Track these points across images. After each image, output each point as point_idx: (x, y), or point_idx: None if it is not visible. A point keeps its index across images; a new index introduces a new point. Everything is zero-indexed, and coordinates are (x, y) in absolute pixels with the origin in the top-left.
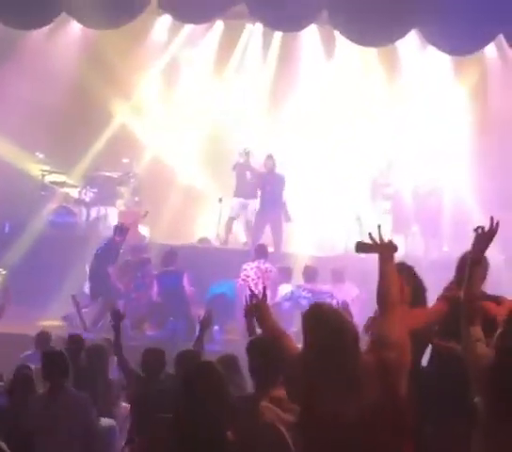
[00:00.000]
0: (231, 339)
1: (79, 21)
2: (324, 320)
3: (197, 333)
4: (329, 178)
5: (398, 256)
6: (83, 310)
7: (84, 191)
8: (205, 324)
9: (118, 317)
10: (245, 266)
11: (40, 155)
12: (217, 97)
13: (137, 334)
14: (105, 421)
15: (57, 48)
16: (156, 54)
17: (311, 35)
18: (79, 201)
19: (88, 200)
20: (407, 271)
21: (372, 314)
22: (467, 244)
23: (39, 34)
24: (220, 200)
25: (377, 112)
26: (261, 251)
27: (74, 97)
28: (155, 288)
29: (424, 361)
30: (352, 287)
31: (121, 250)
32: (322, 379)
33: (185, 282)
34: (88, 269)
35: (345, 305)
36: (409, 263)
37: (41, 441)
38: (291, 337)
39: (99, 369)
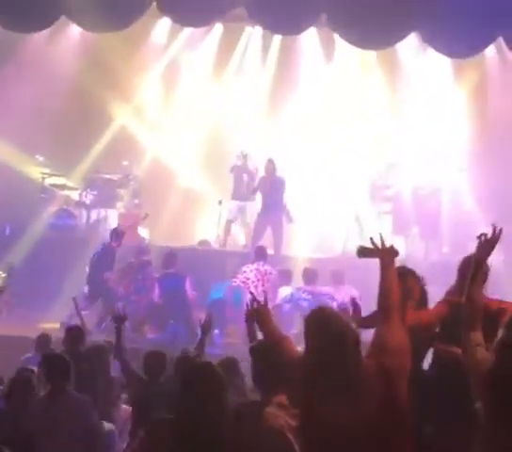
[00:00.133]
0: (231, 342)
1: (79, 24)
2: (325, 324)
3: (198, 337)
4: (329, 180)
5: (398, 258)
6: (82, 312)
7: (84, 194)
8: (206, 328)
9: (120, 319)
10: (244, 269)
11: (41, 158)
12: (217, 100)
13: (138, 337)
14: (105, 424)
15: (57, 51)
16: (156, 56)
17: (310, 38)
18: (79, 204)
19: (88, 202)
20: (410, 274)
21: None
22: (466, 246)
23: (39, 37)
24: (220, 202)
25: (377, 114)
26: (260, 253)
27: (74, 100)
28: (157, 291)
29: (425, 364)
30: (351, 289)
31: (118, 254)
32: (322, 382)
33: (188, 285)
34: (87, 270)
35: (344, 306)
36: (409, 265)
37: (42, 443)
38: (291, 341)
39: (100, 368)
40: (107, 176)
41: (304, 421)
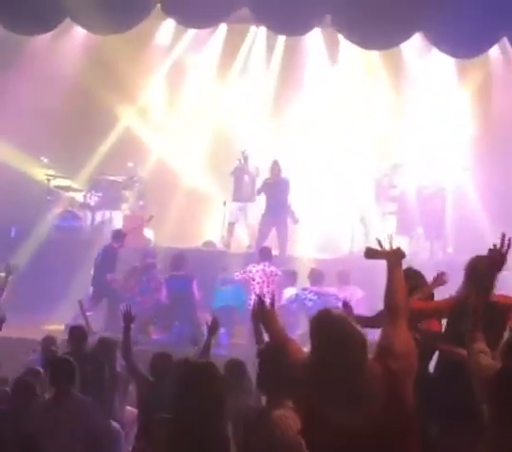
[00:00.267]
0: (236, 343)
1: (83, 26)
2: (331, 326)
3: (203, 338)
4: (334, 181)
5: (404, 259)
6: (87, 313)
7: (89, 195)
8: (212, 330)
9: (129, 319)
10: (250, 268)
11: (45, 160)
12: (221, 101)
13: (143, 338)
14: (112, 425)
15: (62, 52)
16: (160, 58)
17: (314, 38)
18: (84, 206)
19: (93, 204)
20: (418, 275)
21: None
22: (471, 246)
23: (43, 39)
24: (225, 203)
25: (381, 115)
26: (265, 254)
27: (79, 101)
28: (164, 292)
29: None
30: (356, 289)
31: (124, 256)
32: (326, 383)
33: (195, 287)
34: (92, 272)
35: (346, 304)
36: (414, 265)
37: (44, 445)
38: (297, 343)
39: (107, 362)
40: (112, 178)
41: (307, 422)
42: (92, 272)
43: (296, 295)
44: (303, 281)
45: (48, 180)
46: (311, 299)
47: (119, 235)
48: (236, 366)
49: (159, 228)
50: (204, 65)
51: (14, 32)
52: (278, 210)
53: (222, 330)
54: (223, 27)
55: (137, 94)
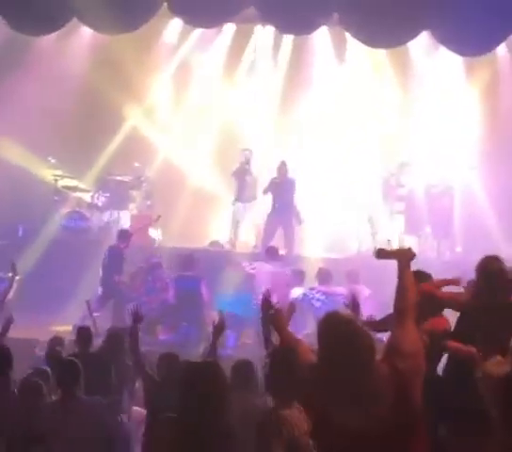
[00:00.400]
0: (243, 343)
1: (90, 26)
2: (338, 328)
3: (210, 339)
4: (341, 180)
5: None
6: (94, 314)
7: (96, 195)
8: (218, 330)
9: (137, 319)
10: (258, 265)
11: (53, 160)
12: (228, 100)
13: (150, 339)
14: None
15: (69, 52)
16: (167, 57)
17: (321, 37)
18: (92, 206)
19: (100, 204)
20: (428, 278)
21: (380, 313)
22: (479, 244)
23: (50, 39)
24: (233, 202)
25: (389, 113)
26: (271, 253)
27: (86, 101)
28: (171, 292)
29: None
30: (363, 288)
31: (129, 255)
32: (334, 385)
33: (203, 288)
34: (100, 273)
35: (354, 299)
36: (422, 264)
37: (53, 445)
38: (306, 346)
39: (118, 351)
40: (119, 178)
41: (314, 423)
42: (100, 273)
43: (304, 294)
44: (311, 280)
45: (55, 180)
46: (319, 299)
47: (124, 236)
48: (244, 367)
49: (166, 228)
50: (211, 64)
51: (21, 32)
52: (284, 210)
53: (230, 332)
54: (230, 26)
55: (144, 94)
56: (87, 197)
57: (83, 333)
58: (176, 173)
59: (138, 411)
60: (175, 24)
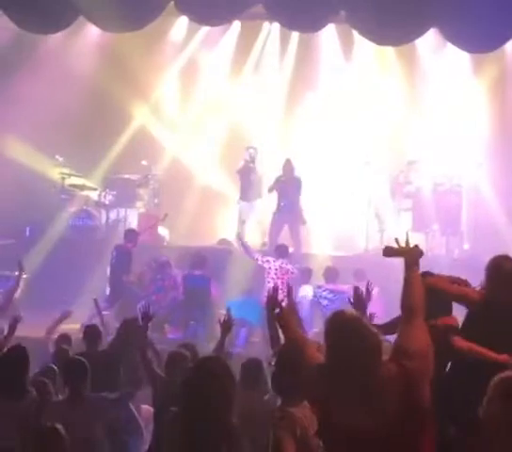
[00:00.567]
0: (252, 341)
1: (97, 24)
2: (345, 328)
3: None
4: (349, 177)
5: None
6: (103, 312)
7: (104, 194)
8: (226, 328)
9: (146, 318)
10: (269, 259)
11: (60, 159)
12: (235, 97)
13: (159, 337)
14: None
15: (76, 50)
16: (174, 55)
17: (328, 34)
18: (99, 204)
19: (107, 202)
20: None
21: (390, 312)
22: (487, 242)
23: (56, 37)
24: (237, 201)
25: (396, 111)
26: (281, 251)
27: (93, 100)
28: (180, 290)
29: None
30: None
31: (137, 254)
32: (340, 386)
33: (212, 286)
34: (108, 273)
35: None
36: (430, 262)
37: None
38: (313, 345)
39: (128, 346)
40: (127, 176)
41: (321, 423)
42: (108, 273)
43: (312, 292)
44: (318, 278)
45: (63, 178)
46: (326, 297)
47: (131, 235)
48: (254, 365)
49: (174, 226)
50: (218, 62)
51: (28, 31)
52: (290, 208)
53: (240, 331)
54: (237, 24)
55: (151, 92)
56: (94, 195)
57: (90, 332)
58: (183, 171)
59: (147, 409)
60: (182, 22)
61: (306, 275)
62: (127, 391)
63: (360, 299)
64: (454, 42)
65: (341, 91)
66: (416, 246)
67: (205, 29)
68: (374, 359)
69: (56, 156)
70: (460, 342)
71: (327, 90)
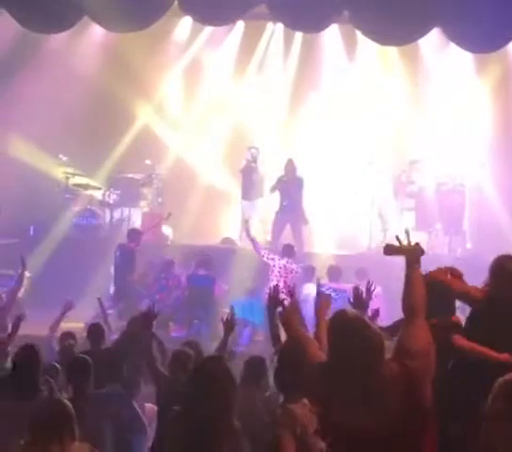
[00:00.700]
0: (255, 340)
1: (101, 24)
2: (346, 327)
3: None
4: (352, 177)
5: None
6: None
7: (107, 193)
8: (229, 327)
9: (151, 317)
10: (274, 257)
11: (64, 158)
12: (239, 97)
13: (162, 336)
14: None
15: (79, 50)
16: (178, 55)
17: (332, 34)
18: (103, 203)
19: (111, 201)
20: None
21: (393, 311)
22: (490, 241)
23: (61, 36)
24: (240, 201)
25: (399, 111)
26: (287, 251)
27: (97, 99)
28: (184, 289)
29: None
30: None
31: (140, 253)
32: (341, 386)
33: (216, 286)
34: (112, 272)
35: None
36: (433, 260)
37: None
38: (316, 344)
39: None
40: (130, 175)
41: (323, 422)
42: (112, 272)
43: (315, 291)
44: (321, 277)
45: (67, 178)
46: None
47: (134, 235)
48: (257, 363)
49: (178, 225)
50: (221, 62)
51: (31, 30)
52: (292, 207)
53: (243, 330)
54: (240, 24)
55: (155, 92)
56: (98, 194)
57: (94, 330)
58: (187, 171)
59: (151, 407)
60: (186, 23)
61: (309, 273)
62: (129, 388)
63: (360, 299)
64: (457, 42)
65: (344, 91)
66: (417, 244)
67: (209, 29)
68: (375, 358)
69: (60, 156)
70: (461, 341)
71: (330, 90)
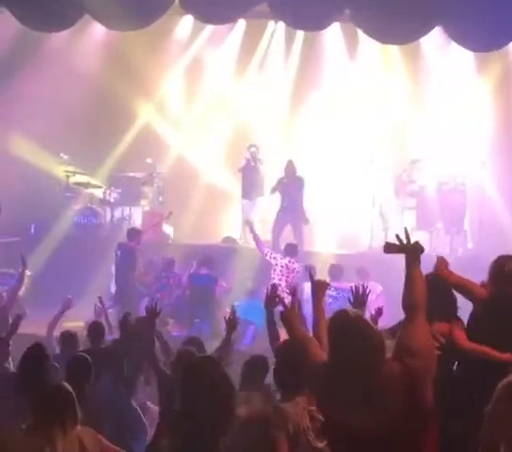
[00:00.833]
0: (257, 340)
1: (102, 23)
2: (347, 327)
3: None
4: (353, 176)
5: (423, 254)
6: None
7: (108, 192)
8: (231, 325)
9: (153, 314)
10: (276, 256)
11: (65, 156)
12: (240, 96)
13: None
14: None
15: (80, 49)
16: (179, 54)
17: (333, 32)
18: (104, 202)
19: (112, 200)
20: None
21: (394, 310)
22: (491, 241)
23: (62, 35)
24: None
25: (400, 109)
26: (290, 250)
27: (98, 98)
28: (185, 288)
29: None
30: (375, 285)
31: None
32: (342, 385)
33: (218, 286)
34: (113, 270)
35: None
36: (434, 260)
37: None
38: (317, 344)
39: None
40: (131, 174)
41: (325, 422)
42: (113, 271)
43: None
44: (322, 276)
45: (67, 176)
46: (330, 295)
47: (134, 234)
48: (259, 362)
49: (178, 224)
50: (223, 61)
51: (32, 29)
52: (292, 207)
53: (246, 329)
54: (241, 23)
55: (156, 90)
56: (99, 193)
57: (95, 329)
58: (188, 169)
59: (155, 408)
60: (187, 21)
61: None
62: (129, 387)
63: (359, 298)
64: (458, 41)
65: (345, 90)
66: (417, 242)
67: (210, 28)
68: (376, 358)
69: (61, 154)
70: (463, 340)
71: (331, 89)
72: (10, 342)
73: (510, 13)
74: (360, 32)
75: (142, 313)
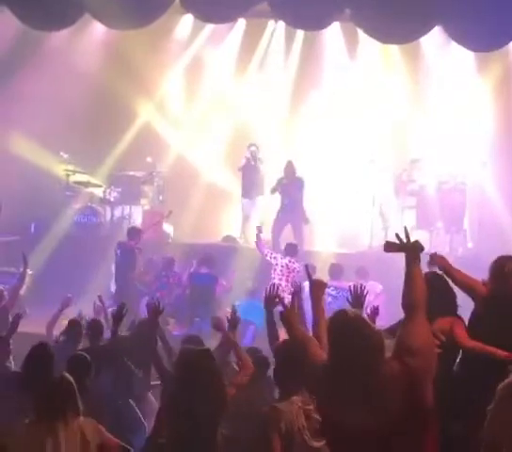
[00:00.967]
0: (258, 340)
1: (102, 22)
2: (346, 327)
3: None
4: (353, 175)
5: (423, 253)
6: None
7: (108, 191)
8: (232, 324)
9: (156, 312)
10: (277, 256)
11: (65, 155)
12: (240, 95)
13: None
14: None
15: (80, 48)
16: (179, 53)
17: (333, 32)
18: (104, 201)
19: (112, 199)
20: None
21: (394, 309)
22: (491, 241)
23: (62, 34)
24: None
25: (400, 109)
26: (290, 250)
27: (98, 97)
28: (185, 287)
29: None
30: (375, 284)
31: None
32: (342, 385)
33: (218, 286)
34: (113, 270)
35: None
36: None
37: None
38: (317, 344)
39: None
40: (131, 173)
41: (325, 422)
42: (113, 270)
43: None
44: (322, 276)
45: (67, 175)
46: (330, 294)
47: (134, 233)
48: (261, 362)
49: (178, 223)
50: (223, 60)
51: (33, 28)
52: (292, 207)
53: (247, 329)
54: (242, 22)
55: (156, 89)
56: (99, 192)
57: (94, 327)
58: (188, 169)
59: (153, 400)
60: (187, 20)
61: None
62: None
63: (358, 297)
64: (458, 41)
65: (345, 90)
66: (417, 241)
67: (210, 27)
68: (376, 357)
69: (61, 153)
70: (464, 339)
71: (331, 89)
72: (11, 341)
73: (510, 13)
74: (360, 32)
75: (142, 312)
